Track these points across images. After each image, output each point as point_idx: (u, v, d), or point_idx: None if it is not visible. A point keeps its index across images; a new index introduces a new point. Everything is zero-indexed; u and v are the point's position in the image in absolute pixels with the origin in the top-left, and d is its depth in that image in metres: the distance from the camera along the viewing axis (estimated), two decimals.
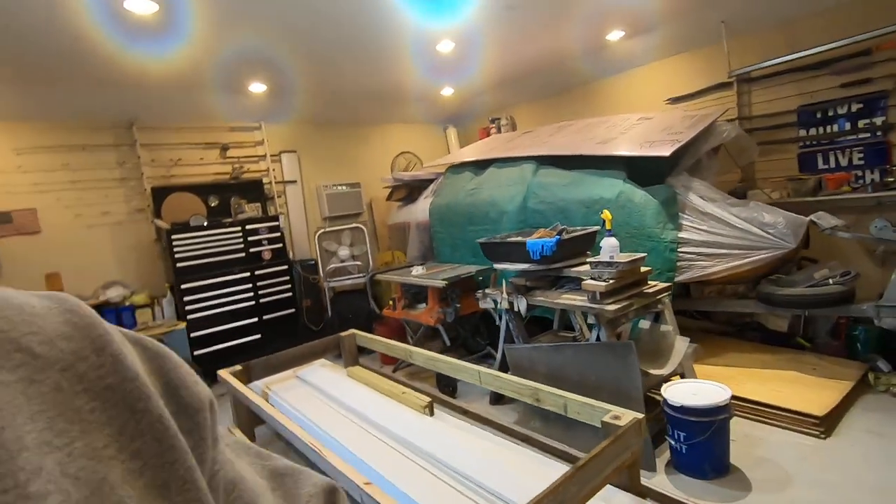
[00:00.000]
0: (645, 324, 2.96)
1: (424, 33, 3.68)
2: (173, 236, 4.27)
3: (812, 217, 2.96)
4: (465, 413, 3.11)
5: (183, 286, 4.28)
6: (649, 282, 2.76)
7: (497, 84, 5.61)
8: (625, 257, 2.58)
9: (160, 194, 4.59)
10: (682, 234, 3.19)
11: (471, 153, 5.03)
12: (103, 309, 4.09)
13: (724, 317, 3.93)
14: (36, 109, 4.06)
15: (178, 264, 4.27)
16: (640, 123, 3.93)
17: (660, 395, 2.43)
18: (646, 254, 2.74)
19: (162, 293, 4.47)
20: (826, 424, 2.49)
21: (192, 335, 4.22)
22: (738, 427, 2.63)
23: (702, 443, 2.22)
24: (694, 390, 2.35)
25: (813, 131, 3.84)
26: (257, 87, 4.64)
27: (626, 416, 1.79)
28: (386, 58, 4.20)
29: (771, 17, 3.82)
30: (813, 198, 3.64)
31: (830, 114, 3.73)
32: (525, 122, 6.06)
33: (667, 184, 3.39)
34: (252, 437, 2.96)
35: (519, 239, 2.95)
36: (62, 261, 4.22)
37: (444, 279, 3.53)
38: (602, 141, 3.80)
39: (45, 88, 3.87)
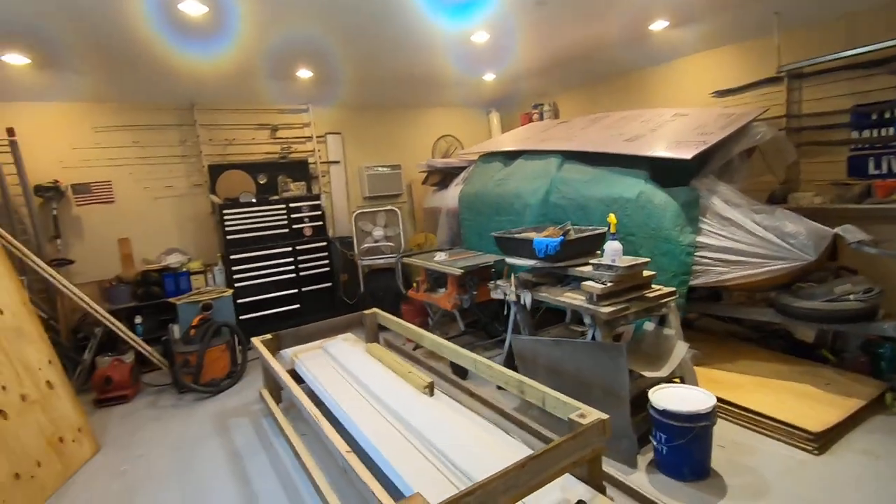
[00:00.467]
0: (650, 325, 3.01)
1: (457, 26, 3.75)
2: (224, 211, 4.70)
3: (838, 229, 2.84)
4: (472, 395, 3.32)
5: (232, 257, 4.72)
6: (654, 286, 2.79)
7: (539, 71, 5.56)
8: (627, 261, 2.63)
9: (216, 171, 5.02)
10: (701, 239, 3.16)
11: (505, 141, 5.08)
12: (163, 273, 4.62)
13: (753, 323, 3.85)
14: (112, 92, 4.56)
15: (228, 237, 4.71)
16: (674, 120, 3.84)
17: None
18: (649, 259, 2.76)
19: (214, 262, 4.96)
20: (822, 441, 2.47)
21: (239, 301, 4.67)
22: (731, 434, 2.67)
23: (681, 446, 2.30)
24: (681, 395, 2.41)
25: (866, 133, 3.60)
26: (304, 74, 4.90)
27: (592, 416, 1.92)
28: (423, 48, 4.30)
29: (827, 11, 3.57)
30: (858, 205, 3.45)
31: (887, 116, 3.48)
32: (568, 108, 6.00)
33: (691, 186, 3.34)
34: (278, 400, 3.32)
35: (526, 236, 3.05)
36: (132, 227, 4.79)
37: (461, 267, 3.70)
38: (631, 138, 3.76)
39: (119, 74, 4.32)
